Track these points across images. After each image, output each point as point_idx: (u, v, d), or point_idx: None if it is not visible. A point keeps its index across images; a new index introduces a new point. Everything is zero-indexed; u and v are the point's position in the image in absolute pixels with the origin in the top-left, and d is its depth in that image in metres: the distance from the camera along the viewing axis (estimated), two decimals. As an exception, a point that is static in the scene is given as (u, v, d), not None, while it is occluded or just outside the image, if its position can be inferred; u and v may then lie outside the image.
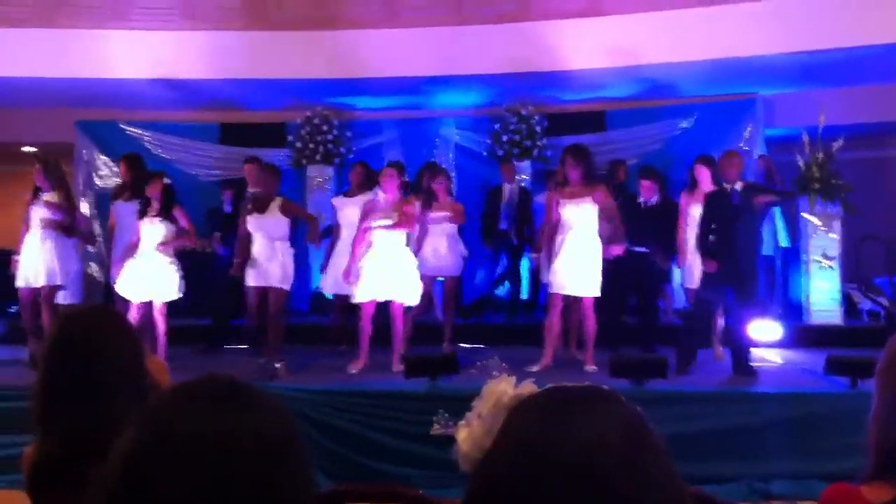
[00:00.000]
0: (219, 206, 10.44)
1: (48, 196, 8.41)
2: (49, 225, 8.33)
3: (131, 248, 8.14)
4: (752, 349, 7.51)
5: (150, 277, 8.00)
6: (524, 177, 11.83)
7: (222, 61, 11.06)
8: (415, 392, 6.50)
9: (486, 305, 10.96)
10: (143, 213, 8.16)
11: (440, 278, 9.56)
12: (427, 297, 10.52)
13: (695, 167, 8.31)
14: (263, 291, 8.19)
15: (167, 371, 2.42)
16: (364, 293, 7.83)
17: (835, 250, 9.73)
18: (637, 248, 8.73)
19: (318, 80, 11.36)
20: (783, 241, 10.85)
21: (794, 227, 10.46)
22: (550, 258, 7.83)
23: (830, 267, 9.66)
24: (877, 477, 1.95)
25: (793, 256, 10.67)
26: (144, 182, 8.36)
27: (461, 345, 9.42)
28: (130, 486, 0.98)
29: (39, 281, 8.25)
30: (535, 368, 7.49)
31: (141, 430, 1.03)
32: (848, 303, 10.27)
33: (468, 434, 1.47)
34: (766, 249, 10.41)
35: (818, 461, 5.74)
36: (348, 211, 8.89)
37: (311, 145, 12.32)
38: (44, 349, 2.07)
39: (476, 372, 6.28)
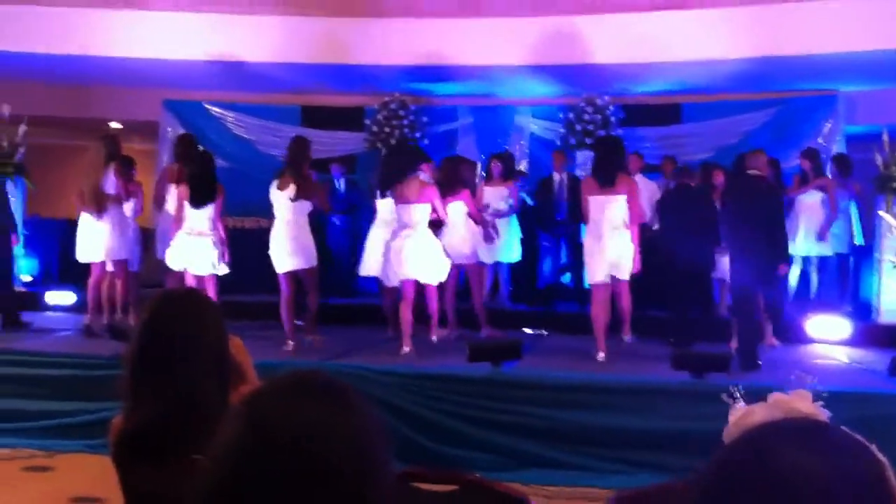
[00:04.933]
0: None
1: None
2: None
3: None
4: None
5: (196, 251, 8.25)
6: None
7: (305, 47, 11.32)
8: (478, 376, 6.63)
9: (553, 293, 11.04)
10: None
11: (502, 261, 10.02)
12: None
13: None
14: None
15: (246, 351, 2.59)
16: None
17: (909, 250, 9.59)
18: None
19: (398, 67, 11.54)
20: (858, 240, 10.73)
21: (869, 226, 10.33)
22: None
23: (903, 267, 9.53)
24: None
25: (866, 255, 10.54)
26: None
27: (525, 330, 9.57)
28: (237, 478, 1.09)
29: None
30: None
31: (247, 425, 1.12)
32: (918, 303, 10.11)
33: (743, 414, 1.64)
34: (841, 247, 10.32)
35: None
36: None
37: (388, 129, 12.53)
38: (137, 326, 2.26)
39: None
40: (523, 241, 10.66)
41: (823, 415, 1.60)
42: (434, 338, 8.22)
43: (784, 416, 1.52)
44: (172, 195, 8.53)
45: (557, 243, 11.06)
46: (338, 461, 1.09)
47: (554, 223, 10.78)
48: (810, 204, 10.03)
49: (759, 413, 1.62)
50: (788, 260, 7.82)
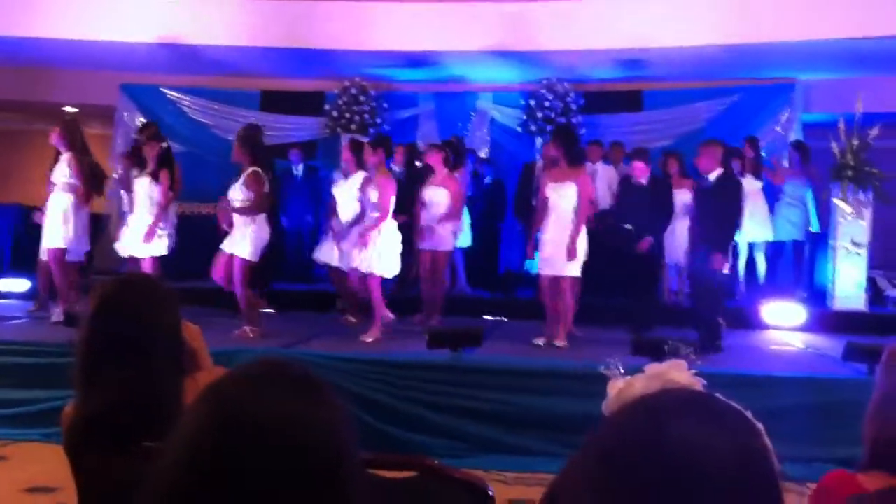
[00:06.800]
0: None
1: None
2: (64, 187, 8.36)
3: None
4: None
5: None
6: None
7: (264, 31, 11.20)
8: (438, 363, 6.62)
9: (516, 280, 11.03)
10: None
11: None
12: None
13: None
14: None
15: (202, 337, 2.54)
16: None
17: (864, 237, 9.71)
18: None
19: (358, 52, 11.46)
20: (814, 227, 10.86)
21: (825, 213, 10.45)
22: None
23: (858, 254, 9.65)
24: (872, 466, 2.04)
25: (821, 242, 10.66)
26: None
27: (485, 317, 9.56)
28: (200, 466, 1.04)
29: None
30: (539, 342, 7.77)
31: (213, 410, 1.08)
32: (874, 290, 10.27)
33: (623, 387, 1.64)
34: (797, 234, 10.45)
35: (832, 446, 5.77)
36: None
37: (348, 115, 12.45)
38: (88, 313, 2.20)
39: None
40: (482, 228, 10.64)
41: (699, 384, 1.61)
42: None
43: (662, 387, 1.53)
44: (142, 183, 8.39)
45: (530, 228, 11.01)
46: (307, 455, 1.06)
47: (531, 208, 10.74)
48: (751, 191, 10.12)
49: (639, 385, 1.62)
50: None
